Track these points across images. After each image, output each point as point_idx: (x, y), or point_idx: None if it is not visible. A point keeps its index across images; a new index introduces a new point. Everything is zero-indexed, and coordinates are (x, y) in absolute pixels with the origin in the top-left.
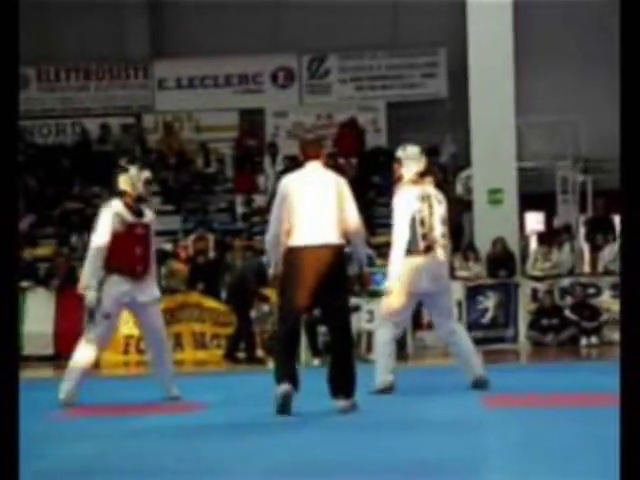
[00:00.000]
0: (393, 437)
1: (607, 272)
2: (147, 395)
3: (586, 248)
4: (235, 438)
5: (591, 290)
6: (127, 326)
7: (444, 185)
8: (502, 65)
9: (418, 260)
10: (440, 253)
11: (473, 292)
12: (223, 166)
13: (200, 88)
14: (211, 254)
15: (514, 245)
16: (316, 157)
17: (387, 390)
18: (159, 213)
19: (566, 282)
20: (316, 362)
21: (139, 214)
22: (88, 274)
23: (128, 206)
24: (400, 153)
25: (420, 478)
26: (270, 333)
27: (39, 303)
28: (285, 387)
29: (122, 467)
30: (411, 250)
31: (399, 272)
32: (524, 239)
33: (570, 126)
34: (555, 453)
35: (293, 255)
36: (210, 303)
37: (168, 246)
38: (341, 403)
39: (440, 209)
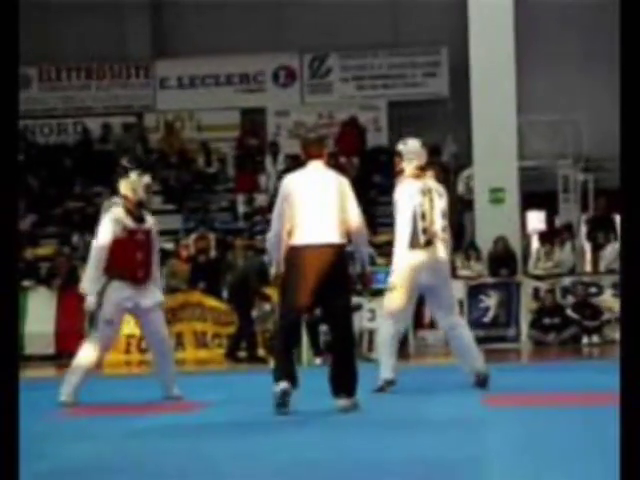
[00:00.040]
0: (394, 436)
1: (608, 271)
2: (148, 394)
3: (587, 247)
4: (236, 437)
5: (592, 289)
6: (128, 326)
7: (446, 184)
8: (503, 64)
9: (418, 254)
10: (440, 247)
11: (475, 291)
12: (224, 165)
13: (201, 87)
14: (212, 253)
15: (515, 244)
16: (318, 156)
17: (389, 384)
18: (160, 212)
19: (567, 281)
20: (318, 361)
21: (140, 220)
22: (89, 280)
23: (129, 211)
24: (401, 147)
25: (421, 477)
26: (272, 332)
27: (40, 303)
28: (284, 385)
29: (123, 466)
30: (412, 244)
31: (402, 267)
32: (525, 238)
33: (571, 125)
34: (556, 452)
35: (295, 254)
36: (211, 302)
37: (169, 245)
38: (342, 402)
39: (441, 203)
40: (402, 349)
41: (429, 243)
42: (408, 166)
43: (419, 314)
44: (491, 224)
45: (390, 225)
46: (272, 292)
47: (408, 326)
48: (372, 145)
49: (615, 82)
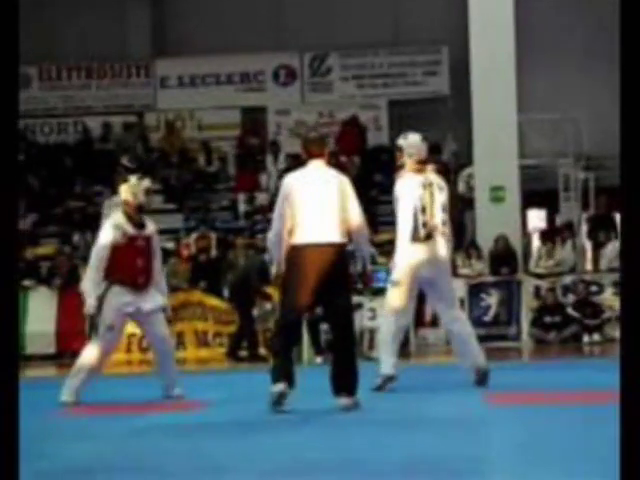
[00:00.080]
0: (395, 435)
1: (609, 269)
2: (149, 393)
3: (588, 246)
4: (237, 436)
5: (593, 288)
6: (130, 325)
7: (446, 182)
8: (504, 63)
9: (419, 248)
10: (441, 240)
11: (475, 290)
12: (225, 164)
13: (202, 86)
14: (213, 252)
15: (516, 243)
16: (319, 155)
17: (389, 380)
18: (161, 212)
19: (568, 280)
20: (318, 360)
21: (140, 226)
22: (89, 283)
23: (129, 217)
24: (401, 141)
25: (423, 476)
26: (272, 331)
27: (41, 302)
28: (281, 387)
29: (124, 465)
30: (412, 237)
31: (404, 262)
32: (526, 237)
33: (572, 123)
34: (557, 451)
35: (295, 253)
36: (212, 301)
37: (170, 244)
38: (343, 401)
39: (441, 196)
40: (403, 348)
41: (429, 237)
42: (409, 160)
43: (420, 313)
44: (492, 223)
45: (391, 224)
46: (273, 291)
47: (410, 322)
48: (373, 144)
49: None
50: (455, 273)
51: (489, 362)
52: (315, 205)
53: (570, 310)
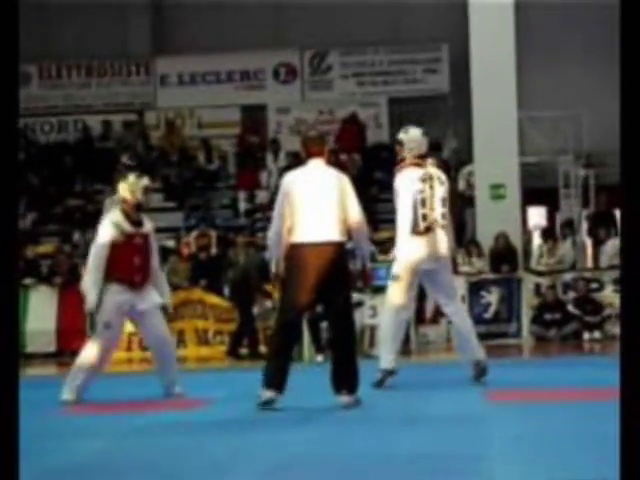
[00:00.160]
0: (396, 432)
1: (609, 267)
2: (150, 392)
3: (588, 243)
4: (238, 434)
5: (594, 285)
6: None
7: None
8: (504, 60)
9: (419, 241)
10: (440, 233)
11: (476, 287)
12: (225, 162)
13: (202, 84)
14: (213, 250)
15: (517, 240)
16: (319, 154)
17: (389, 374)
18: (161, 210)
19: (569, 277)
20: (319, 358)
21: (138, 224)
22: (89, 281)
23: (127, 215)
24: (402, 135)
25: (424, 472)
26: (272, 330)
27: (42, 300)
28: (271, 394)
29: (125, 463)
30: (412, 230)
31: (404, 257)
32: (526, 234)
33: (572, 121)
34: (558, 448)
35: (295, 252)
36: (213, 299)
37: (170, 243)
38: (344, 399)
39: (441, 190)
40: (404, 345)
41: (429, 229)
42: (409, 154)
43: (421, 310)
44: (492, 220)
45: (391, 222)
46: (273, 289)
47: (411, 316)
48: (373, 142)
49: (616, 78)
50: (455, 270)
51: (489, 359)
52: (314, 204)
53: (570, 307)
